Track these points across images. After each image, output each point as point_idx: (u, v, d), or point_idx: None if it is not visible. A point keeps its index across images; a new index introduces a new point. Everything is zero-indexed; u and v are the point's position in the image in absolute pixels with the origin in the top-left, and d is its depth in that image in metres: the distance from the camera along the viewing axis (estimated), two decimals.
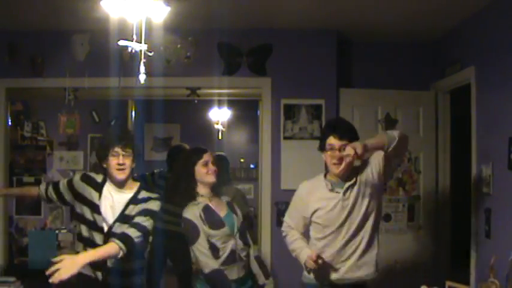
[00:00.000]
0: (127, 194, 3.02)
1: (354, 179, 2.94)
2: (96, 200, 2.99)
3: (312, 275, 2.96)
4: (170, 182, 3.44)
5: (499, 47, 3.41)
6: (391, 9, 3.80)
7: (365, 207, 2.92)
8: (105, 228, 2.96)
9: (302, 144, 4.30)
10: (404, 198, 4.49)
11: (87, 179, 3.08)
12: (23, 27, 4.23)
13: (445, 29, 4.26)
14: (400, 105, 4.50)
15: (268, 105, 4.36)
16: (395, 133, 2.96)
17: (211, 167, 3.19)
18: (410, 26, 4.24)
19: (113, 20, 2.53)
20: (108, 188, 3.03)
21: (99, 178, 3.07)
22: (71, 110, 4.63)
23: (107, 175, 3.05)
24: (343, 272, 2.92)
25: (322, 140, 2.97)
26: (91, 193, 3.01)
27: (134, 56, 2.55)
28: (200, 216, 3.08)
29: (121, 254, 2.79)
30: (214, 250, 3.06)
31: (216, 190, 3.25)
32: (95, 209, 2.98)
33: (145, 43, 2.48)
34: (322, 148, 2.97)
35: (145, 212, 2.95)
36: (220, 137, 6.95)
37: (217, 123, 6.97)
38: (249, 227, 3.35)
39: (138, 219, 2.91)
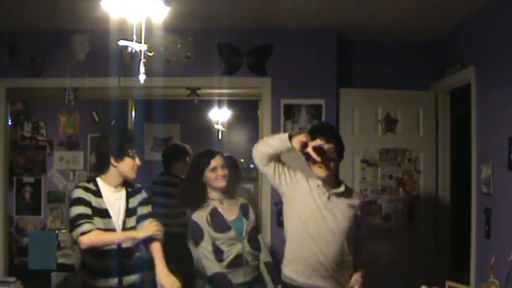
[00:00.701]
0: (122, 192, 3.05)
1: (343, 189, 2.93)
2: (103, 206, 3.00)
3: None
4: (182, 186, 3.47)
5: (499, 47, 3.41)
6: (391, 9, 3.81)
7: (346, 222, 2.88)
8: (117, 228, 2.97)
9: None
10: (404, 198, 4.49)
11: (87, 190, 3.01)
12: (23, 27, 4.23)
13: (445, 29, 4.26)
14: (400, 105, 4.50)
15: (268, 105, 4.37)
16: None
17: (220, 172, 3.22)
18: (411, 26, 4.24)
19: (113, 20, 2.53)
20: (106, 190, 3.04)
21: (91, 186, 3.02)
22: (71, 110, 4.63)
23: (104, 173, 3.03)
24: (313, 279, 2.85)
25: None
26: (97, 200, 3.00)
27: (134, 56, 2.55)
28: (207, 219, 3.13)
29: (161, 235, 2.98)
30: (219, 253, 3.10)
31: (229, 192, 3.28)
32: (105, 214, 2.98)
33: (145, 43, 2.48)
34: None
35: (145, 201, 3.08)
36: (220, 137, 6.94)
37: (217, 123, 6.96)
38: (258, 231, 3.33)
39: (144, 210, 3.05)
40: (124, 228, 2.97)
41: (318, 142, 2.84)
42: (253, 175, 7.29)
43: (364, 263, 3.03)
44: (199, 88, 4.46)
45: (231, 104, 6.72)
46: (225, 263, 3.09)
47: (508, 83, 3.27)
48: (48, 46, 4.34)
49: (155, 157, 7.15)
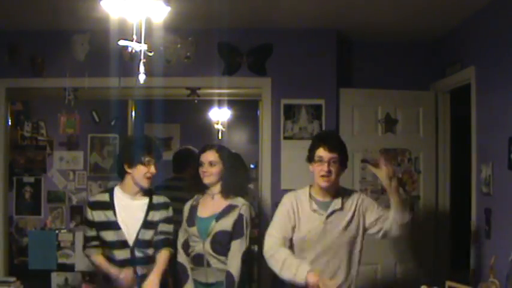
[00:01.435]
0: (142, 201, 3.09)
1: (340, 205, 2.90)
2: (112, 218, 3.02)
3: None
4: (191, 173, 3.49)
5: (499, 47, 3.41)
6: (391, 9, 3.80)
7: (348, 237, 2.89)
8: (129, 239, 3.01)
9: (302, 144, 4.27)
10: (404, 198, 4.48)
11: (96, 205, 3.12)
12: (23, 27, 4.23)
13: (445, 29, 4.26)
14: (400, 105, 4.50)
15: (268, 105, 4.36)
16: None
17: (205, 168, 3.24)
18: (411, 26, 4.24)
19: (113, 20, 2.52)
20: (121, 198, 3.08)
21: (104, 197, 3.12)
22: (71, 110, 4.63)
23: (122, 180, 3.11)
24: None
25: (311, 151, 2.93)
26: (105, 214, 3.05)
27: (134, 56, 2.55)
28: (188, 210, 3.29)
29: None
30: (187, 246, 3.22)
31: (226, 188, 3.25)
32: (114, 226, 3.02)
33: (145, 43, 2.48)
34: (310, 159, 2.93)
35: (168, 220, 3.14)
36: (220, 137, 6.94)
37: (217, 123, 6.97)
38: (239, 236, 3.16)
39: (165, 228, 3.12)
40: (137, 239, 3.01)
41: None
42: (253, 175, 7.30)
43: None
44: (199, 88, 4.45)
45: (231, 104, 6.72)
46: (189, 258, 3.21)
47: (508, 83, 3.27)
48: (48, 46, 4.33)
49: None
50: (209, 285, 3.17)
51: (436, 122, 4.55)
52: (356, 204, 2.95)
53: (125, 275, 2.99)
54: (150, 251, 3.09)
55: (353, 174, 4.40)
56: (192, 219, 3.23)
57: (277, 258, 2.80)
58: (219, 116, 6.96)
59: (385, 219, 2.92)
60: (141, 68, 2.51)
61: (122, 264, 3.03)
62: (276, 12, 3.95)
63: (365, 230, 2.96)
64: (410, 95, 4.51)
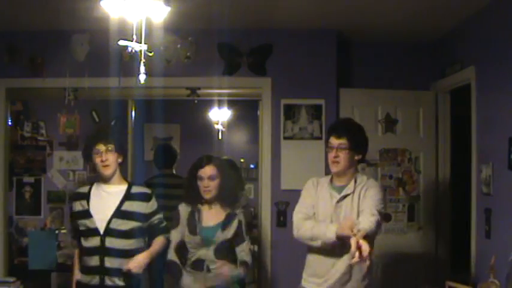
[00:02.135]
0: (117, 188, 3.08)
1: (353, 190, 2.93)
2: (84, 207, 3.07)
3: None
4: (184, 185, 3.53)
5: (499, 47, 3.41)
6: (391, 9, 3.80)
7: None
8: (100, 226, 3.00)
9: (302, 144, 4.31)
10: (405, 198, 4.49)
11: (75, 196, 3.19)
12: (23, 27, 4.23)
13: (445, 29, 4.26)
14: (400, 105, 4.50)
15: (268, 105, 4.36)
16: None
17: (205, 184, 3.26)
18: (411, 26, 4.24)
19: (113, 20, 2.53)
20: (98, 187, 3.12)
21: (85, 189, 3.17)
22: (71, 110, 4.63)
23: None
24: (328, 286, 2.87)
25: (326, 140, 3.04)
26: (81, 204, 3.10)
27: (134, 56, 2.55)
28: (187, 217, 3.27)
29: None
30: (185, 250, 3.25)
31: (224, 199, 3.30)
32: (86, 215, 3.04)
33: (145, 43, 2.48)
34: (326, 147, 3.04)
35: (155, 212, 3.17)
36: (220, 137, 6.95)
37: (217, 123, 6.97)
38: (242, 240, 3.28)
39: (157, 219, 3.17)
40: (107, 228, 2.99)
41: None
42: (253, 175, 7.30)
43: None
44: (199, 88, 4.45)
45: (231, 104, 6.72)
46: (189, 262, 3.24)
47: (508, 83, 3.27)
48: (48, 46, 4.33)
49: None
50: None
51: (436, 122, 4.55)
52: (361, 189, 2.95)
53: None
54: (125, 243, 3.01)
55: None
56: (194, 228, 3.24)
57: (305, 229, 2.90)
58: (219, 116, 6.96)
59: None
60: (141, 68, 2.51)
61: (90, 252, 3.00)
62: (276, 12, 3.94)
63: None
64: (410, 95, 4.51)
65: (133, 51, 2.47)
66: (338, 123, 3.17)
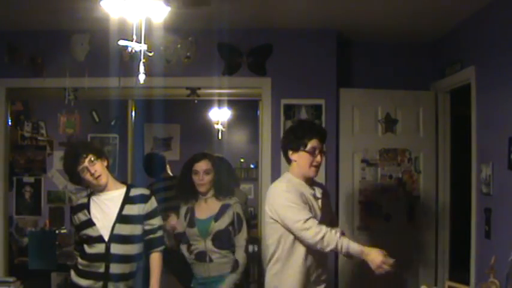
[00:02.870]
0: (116, 193, 3.05)
1: (320, 193, 2.99)
2: (86, 217, 3.03)
3: None
4: (177, 182, 3.76)
5: (499, 47, 3.41)
6: (391, 9, 3.80)
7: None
8: (104, 234, 2.97)
9: None
10: (404, 198, 4.49)
11: (76, 209, 3.14)
12: (23, 27, 4.23)
13: (445, 29, 4.26)
14: (400, 105, 4.50)
15: (268, 105, 4.36)
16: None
17: (201, 177, 3.46)
18: (411, 26, 4.24)
19: (113, 20, 2.53)
20: (96, 196, 3.07)
21: (83, 200, 3.13)
22: (71, 110, 4.63)
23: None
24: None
25: (300, 139, 2.89)
26: (83, 213, 3.06)
27: (134, 56, 2.54)
28: (185, 213, 3.51)
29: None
30: (188, 244, 3.47)
31: (218, 192, 3.49)
32: (89, 224, 3.01)
33: (145, 43, 2.48)
34: (297, 147, 2.89)
35: (151, 214, 3.10)
36: (220, 137, 6.94)
37: (217, 123, 6.97)
38: (238, 231, 3.43)
39: (149, 226, 3.09)
40: (112, 234, 2.97)
41: None
42: (254, 175, 7.31)
43: None
44: (199, 88, 4.45)
45: (231, 104, 6.72)
46: (192, 255, 3.44)
47: (508, 83, 3.27)
48: (48, 46, 4.33)
49: None
50: (210, 278, 3.40)
51: (436, 122, 4.55)
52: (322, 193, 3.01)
53: None
54: (129, 248, 3.00)
55: (353, 174, 4.40)
56: (191, 221, 3.47)
57: (331, 239, 2.74)
58: (219, 116, 6.96)
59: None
60: (141, 68, 2.51)
61: (95, 258, 2.97)
62: (276, 12, 3.95)
63: None
64: (410, 95, 4.51)
65: (133, 51, 2.47)
66: (317, 127, 3.12)
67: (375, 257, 2.72)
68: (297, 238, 2.82)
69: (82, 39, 4.30)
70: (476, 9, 3.70)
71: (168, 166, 5.07)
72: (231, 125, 7.46)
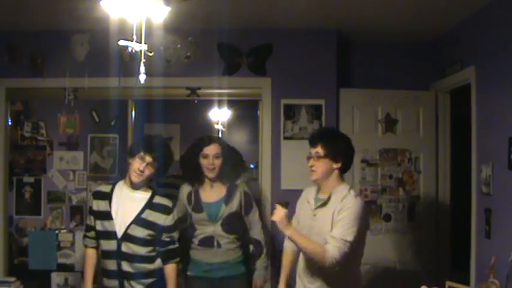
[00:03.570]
0: (141, 195, 3.09)
1: (326, 201, 2.84)
2: (106, 208, 3.06)
3: None
4: (182, 163, 3.60)
5: (499, 47, 3.41)
6: (391, 9, 3.80)
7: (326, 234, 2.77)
8: (119, 231, 3.01)
9: (302, 144, 4.25)
10: (405, 198, 4.49)
11: (97, 195, 3.18)
12: (23, 27, 4.23)
13: (445, 29, 4.26)
14: (400, 105, 4.50)
15: (268, 105, 4.37)
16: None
17: (210, 161, 3.34)
18: (410, 26, 4.24)
19: (113, 20, 2.53)
20: (121, 190, 3.11)
21: (107, 188, 3.17)
22: (71, 110, 4.63)
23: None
24: None
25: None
26: (102, 204, 3.10)
27: (134, 56, 2.55)
28: (188, 196, 3.38)
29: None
30: (192, 229, 3.35)
31: (225, 177, 3.40)
32: (107, 216, 3.04)
33: (145, 43, 2.48)
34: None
35: (171, 229, 3.12)
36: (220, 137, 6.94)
37: (217, 123, 6.96)
38: (250, 208, 3.46)
39: (168, 237, 3.11)
40: (125, 233, 3.00)
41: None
42: (254, 175, 7.30)
43: None
44: (199, 88, 4.45)
45: (231, 104, 6.71)
46: (196, 240, 3.35)
47: (508, 83, 3.27)
48: (48, 46, 4.33)
49: None
50: (217, 264, 3.33)
51: (436, 122, 4.55)
52: (338, 200, 2.81)
53: None
54: (140, 249, 3.04)
55: (353, 174, 4.40)
56: (198, 206, 3.35)
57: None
58: (219, 116, 6.96)
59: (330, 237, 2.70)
60: (141, 68, 2.51)
61: (106, 255, 3.06)
62: (276, 12, 3.94)
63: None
64: (410, 95, 4.52)
65: (133, 51, 2.47)
66: (315, 132, 3.13)
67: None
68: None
69: (82, 39, 4.30)
70: (476, 9, 3.70)
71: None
72: (231, 125, 7.46)
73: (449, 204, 4.57)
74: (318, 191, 2.97)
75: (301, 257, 2.95)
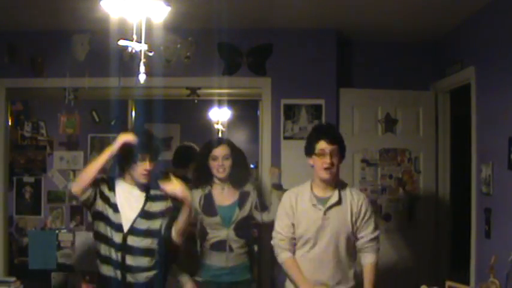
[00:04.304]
0: (138, 191, 3.10)
1: (338, 199, 2.92)
2: (113, 200, 3.08)
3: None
4: (194, 167, 3.64)
5: (499, 47, 3.41)
6: (391, 9, 3.80)
7: (347, 232, 2.91)
8: (125, 224, 3.02)
9: (302, 144, 4.24)
10: (404, 198, 4.49)
11: (107, 180, 3.15)
12: (23, 27, 4.23)
13: (445, 29, 4.26)
14: (400, 105, 4.51)
15: (268, 105, 4.37)
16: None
17: (220, 163, 3.36)
18: (410, 26, 4.24)
19: (113, 20, 2.53)
20: (122, 185, 3.11)
21: (109, 180, 3.16)
22: (71, 110, 4.63)
23: (122, 174, 3.13)
24: None
25: (310, 144, 2.96)
26: (110, 193, 3.09)
27: (134, 56, 2.55)
28: (200, 200, 3.35)
29: None
30: (203, 233, 3.34)
31: (233, 179, 3.40)
32: (115, 208, 3.06)
33: (145, 43, 2.49)
34: (310, 152, 2.97)
35: (170, 210, 3.12)
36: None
37: (217, 123, 6.97)
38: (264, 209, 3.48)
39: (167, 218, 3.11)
40: (132, 227, 3.02)
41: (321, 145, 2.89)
42: (254, 175, 7.31)
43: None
44: (199, 88, 4.46)
45: (231, 104, 6.71)
46: (208, 244, 3.34)
47: (508, 83, 3.27)
48: (48, 46, 4.33)
49: None
50: (227, 268, 3.33)
51: (436, 122, 4.56)
52: (352, 199, 2.96)
53: None
54: (146, 242, 3.05)
55: (353, 174, 4.41)
56: (212, 209, 3.34)
57: (284, 262, 2.98)
58: (219, 116, 6.96)
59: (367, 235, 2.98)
60: (141, 68, 2.52)
61: (110, 248, 3.03)
62: (276, 12, 3.95)
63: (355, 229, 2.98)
64: (410, 95, 4.52)
65: (133, 51, 2.47)
66: (327, 128, 3.08)
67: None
68: None
69: (82, 39, 4.30)
70: (476, 9, 3.70)
71: None
72: (231, 125, 7.46)
73: (449, 204, 4.57)
74: (314, 190, 2.96)
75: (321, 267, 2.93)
